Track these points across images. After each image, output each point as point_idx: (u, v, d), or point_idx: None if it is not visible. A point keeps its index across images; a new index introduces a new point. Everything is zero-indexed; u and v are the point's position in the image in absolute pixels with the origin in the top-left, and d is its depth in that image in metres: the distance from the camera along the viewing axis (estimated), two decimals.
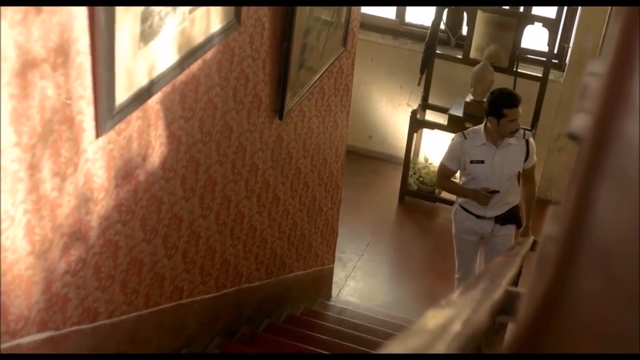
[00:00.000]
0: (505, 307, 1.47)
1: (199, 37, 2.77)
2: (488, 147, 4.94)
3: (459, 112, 6.51)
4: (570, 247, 0.66)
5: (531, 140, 5.03)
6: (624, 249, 0.60)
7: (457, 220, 5.30)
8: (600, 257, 0.63)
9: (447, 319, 1.13)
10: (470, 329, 1.14)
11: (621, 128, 0.61)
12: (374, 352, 4.11)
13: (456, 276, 5.57)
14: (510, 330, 2.72)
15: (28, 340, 2.24)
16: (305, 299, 5.37)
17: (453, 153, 5.09)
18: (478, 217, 5.13)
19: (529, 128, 6.48)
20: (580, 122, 1.04)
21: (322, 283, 5.79)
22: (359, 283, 6.18)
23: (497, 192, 4.98)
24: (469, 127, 5.44)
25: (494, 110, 4.81)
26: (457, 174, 5.26)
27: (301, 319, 4.94)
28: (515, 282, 3.05)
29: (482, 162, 4.96)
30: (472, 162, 4.99)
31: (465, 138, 5.02)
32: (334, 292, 6.02)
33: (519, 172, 5.03)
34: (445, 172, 5.23)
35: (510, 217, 5.12)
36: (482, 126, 4.98)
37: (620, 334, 0.60)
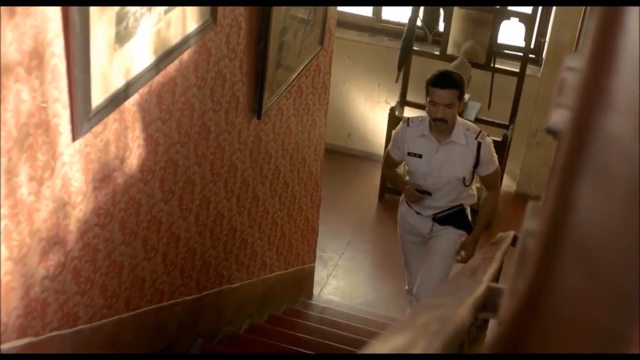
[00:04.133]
0: (487, 303, 1.47)
1: (175, 38, 2.76)
2: (429, 141, 4.36)
3: None
4: (552, 243, 0.66)
5: (486, 142, 4.35)
6: (606, 245, 0.60)
7: (400, 214, 4.79)
8: (583, 252, 0.62)
9: (429, 316, 1.13)
10: (452, 326, 1.13)
11: (601, 124, 0.61)
12: (357, 351, 4.11)
13: (405, 288, 5.06)
14: (492, 326, 2.73)
15: (7, 346, 2.22)
16: (286, 299, 5.36)
17: (394, 140, 4.56)
18: (417, 213, 4.61)
19: (507, 124, 6.51)
20: (559, 117, 1.04)
21: (304, 282, 5.78)
22: (341, 281, 6.18)
23: (428, 194, 4.45)
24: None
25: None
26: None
27: (283, 319, 4.94)
28: (496, 278, 3.05)
29: (420, 156, 4.40)
30: (409, 153, 4.44)
31: (408, 125, 4.46)
32: (316, 291, 6.02)
33: (465, 178, 4.42)
34: (388, 159, 4.71)
35: (450, 217, 4.55)
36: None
37: (604, 330, 0.60)
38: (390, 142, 4.62)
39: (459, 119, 4.35)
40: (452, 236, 4.58)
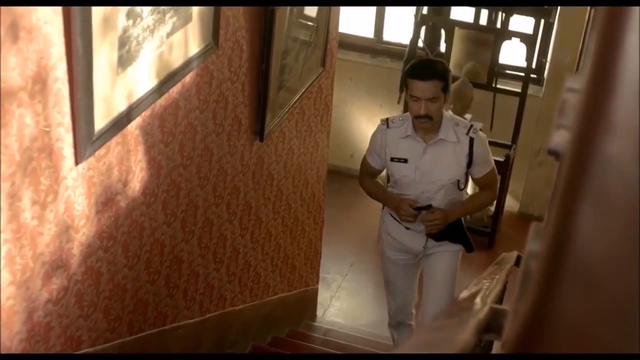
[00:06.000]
0: (491, 325, 1.46)
1: (177, 61, 2.77)
2: (414, 142, 3.78)
3: None
4: (553, 266, 0.66)
5: (479, 137, 3.79)
6: (607, 267, 0.60)
7: (384, 231, 4.17)
8: (584, 275, 0.62)
9: (433, 339, 1.13)
10: (456, 348, 1.13)
11: (601, 146, 0.61)
12: None
13: (388, 320, 4.52)
14: (497, 348, 2.72)
15: None
16: (290, 321, 5.35)
17: (372, 145, 3.97)
18: (406, 228, 4.01)
19: (510, 144, 6.50)
20: (560, 138, 1.04)
21: (307, 304, 5.77)
22: (344, 303, 6.16)
23: (427, 207, 3.83)
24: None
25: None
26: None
27: (286, 341, 4.92)
28: (500, 299, 3.04)
29: (405, 160, 3.81)
30: (392, 159, 3.85)
31: (388, 126, 3.85)
32: (319, 312, 6.00)
33: (459, 181, 3.85)
34: (365, 168, 4.06)
35: (448, 232, 3.95)
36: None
37: (604, 352, 0.60)
38: (368, 147, 4.04)
39: (446, 113, 3.80)
40: (450, 254, 4.05)
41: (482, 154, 3.82)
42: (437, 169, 3.79)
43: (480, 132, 3.83)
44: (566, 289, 0.64)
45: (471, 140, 3.76)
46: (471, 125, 3.80)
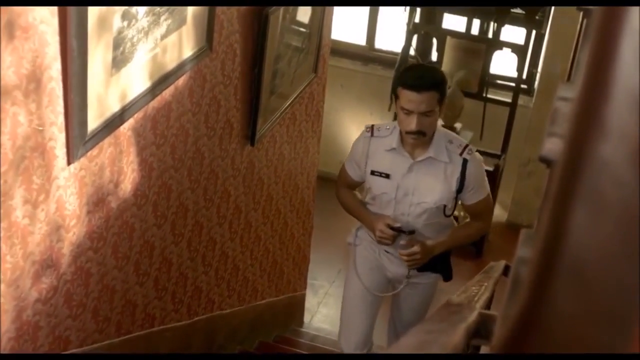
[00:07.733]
0: (480, 330, 1.47)
1: (171, 64, 2.78)
2: (400, 156, 3.31)
3: None
4: (546, 268, 0.67)
5: (475, 158, 3.31)
6: (600, 269, 0.61)
7: (358, 249, 3.70)
8: (577, 277, 0.63)
9: (424, 341, 1.14)
10: (446, 351, 1.14)
11: (595, 150, 0.62)
12: None
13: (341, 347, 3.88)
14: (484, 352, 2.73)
15: None
16: (277, 326, 5.35)
17: (352, 152, 3.50)
18: (386, 251, 3.57)
19: (499, 153, 6.52)
20: (552, 145, 1.05)
21: (294, 310, 5.77)
22: (331, 310, 6.16)
23: (410, 233, 3.37)
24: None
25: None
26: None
27: (273, 346, 4.92)
28: (488, 306, 3.05)
29: (387, 176, 3.35)
30: (373, 172, 3.39)
31: (372, 135, 3.39)
32: (306, 318, 6.00)
33: (446, 206, 3.37)
34: (342, 177, 3.60)
35: (433, 263, 3.48)
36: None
37: (597, 351, 0.61)
38: (348, 155, 3.58)
39: (439, 127, 3.36)
40: (427, 288, 3.67)
41: (475, 177, 3.35)
42: (422, 190, 3.34)
43: (476, 153, 3.35)
44: (558, 291, 0.65)
45: (464, 161, 3.29)
46: (466, 145, 3.33)
